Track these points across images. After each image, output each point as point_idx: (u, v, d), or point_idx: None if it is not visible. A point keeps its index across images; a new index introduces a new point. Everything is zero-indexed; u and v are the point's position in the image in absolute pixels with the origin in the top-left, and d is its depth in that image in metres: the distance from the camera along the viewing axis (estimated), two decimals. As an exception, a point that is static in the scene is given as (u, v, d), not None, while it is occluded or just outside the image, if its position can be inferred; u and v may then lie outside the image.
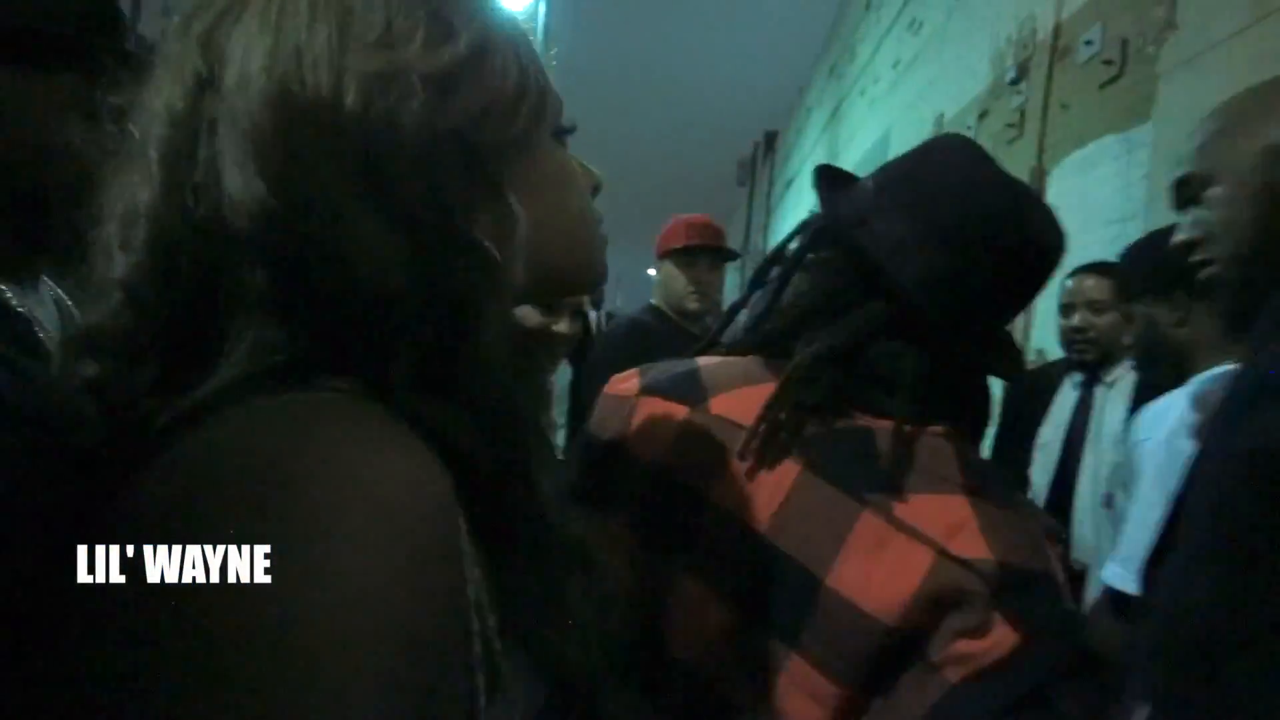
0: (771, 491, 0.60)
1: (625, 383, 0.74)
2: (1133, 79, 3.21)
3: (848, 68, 9.92)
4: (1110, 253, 3.16)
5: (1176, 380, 1.33)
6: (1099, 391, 1.84)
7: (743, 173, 24.13)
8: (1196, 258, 0.82)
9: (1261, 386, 0.60)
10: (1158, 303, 1.31)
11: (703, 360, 0.71)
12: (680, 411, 0.67)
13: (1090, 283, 1.85)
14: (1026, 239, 0.65)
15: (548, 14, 8.25)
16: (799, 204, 14.25)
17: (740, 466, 0.62)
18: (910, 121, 6.62)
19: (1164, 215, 2.85)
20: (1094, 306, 1.82)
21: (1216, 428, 0.71)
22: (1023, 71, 4.31)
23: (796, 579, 0.57)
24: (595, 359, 2.03)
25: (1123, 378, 1.80)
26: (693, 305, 2.12)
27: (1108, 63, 3.37)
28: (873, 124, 8.20)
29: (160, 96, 0.35)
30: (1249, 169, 0.76)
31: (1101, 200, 3.38)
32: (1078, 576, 1.70)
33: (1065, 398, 1.92)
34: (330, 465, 0.27)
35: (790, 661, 0.56)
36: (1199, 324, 1.26)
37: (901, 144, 6.85)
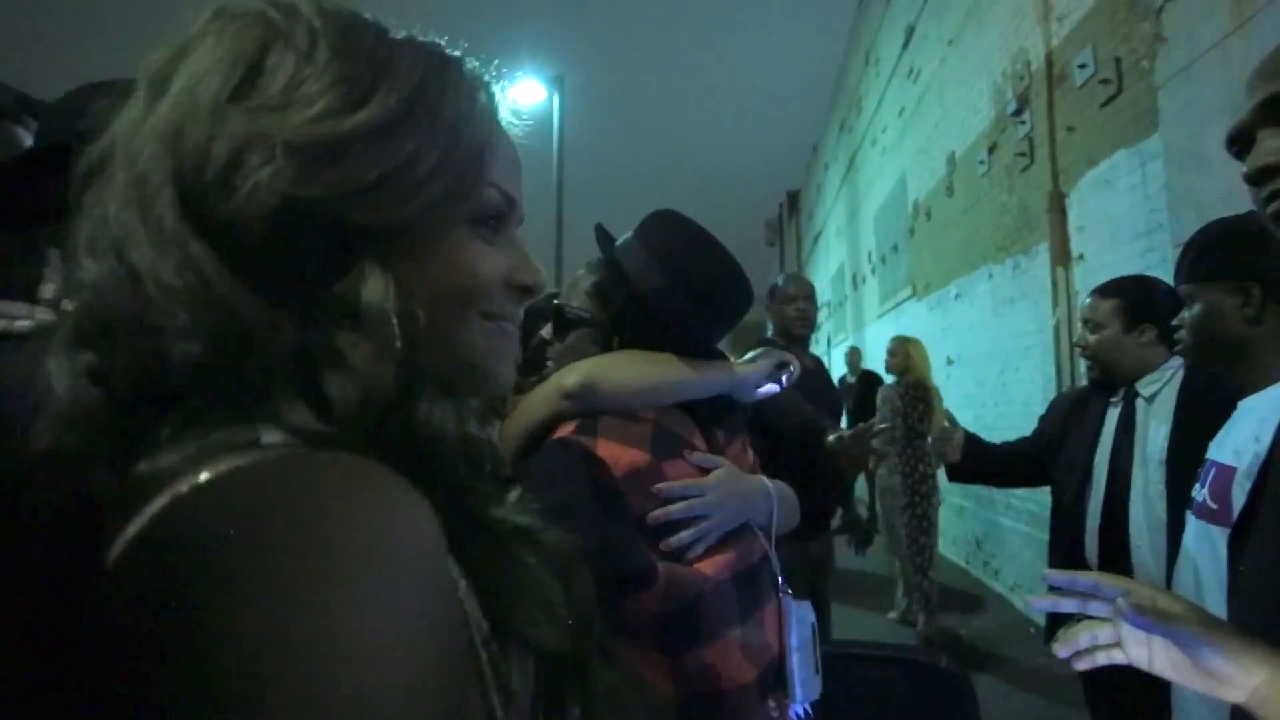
0: None
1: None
2: (1132, 94, 3.22)
3: (856, 121, 10.14)
4: (1140, 266, 3.09)
5: (1227, 383, 1.23)
6: (1140, 407, 1.74)
7: (770, 234, 24.44)
8: (1274, 185, 0.71)
9: None
10: (1228, 289, 1.17)
11: None
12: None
13: (1090, 301, 1.83)
14: (740, 293, 1.03)
15: (561, 107, 8.71)
16: (827, 257, 14.30)
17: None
18: (923, 164, 6.68)
19: (1190, 222, 2.80)
20: (1089, 324, 1.78)
21: None
22: (1023, 102, 4.35)
23: None
24: None
25: (1164, 390, 1.71)
26: None
27: (1105, 81, 3.39)
28: (888, 171, 8.29)
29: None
30: None
31: (1124, 215, 3.33)
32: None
33: (1109, 417, 1.83)
34: (339, 514, 0.28)
35: None
36: (1272, 324, 1.13)
37: (918, 186, 6.90)
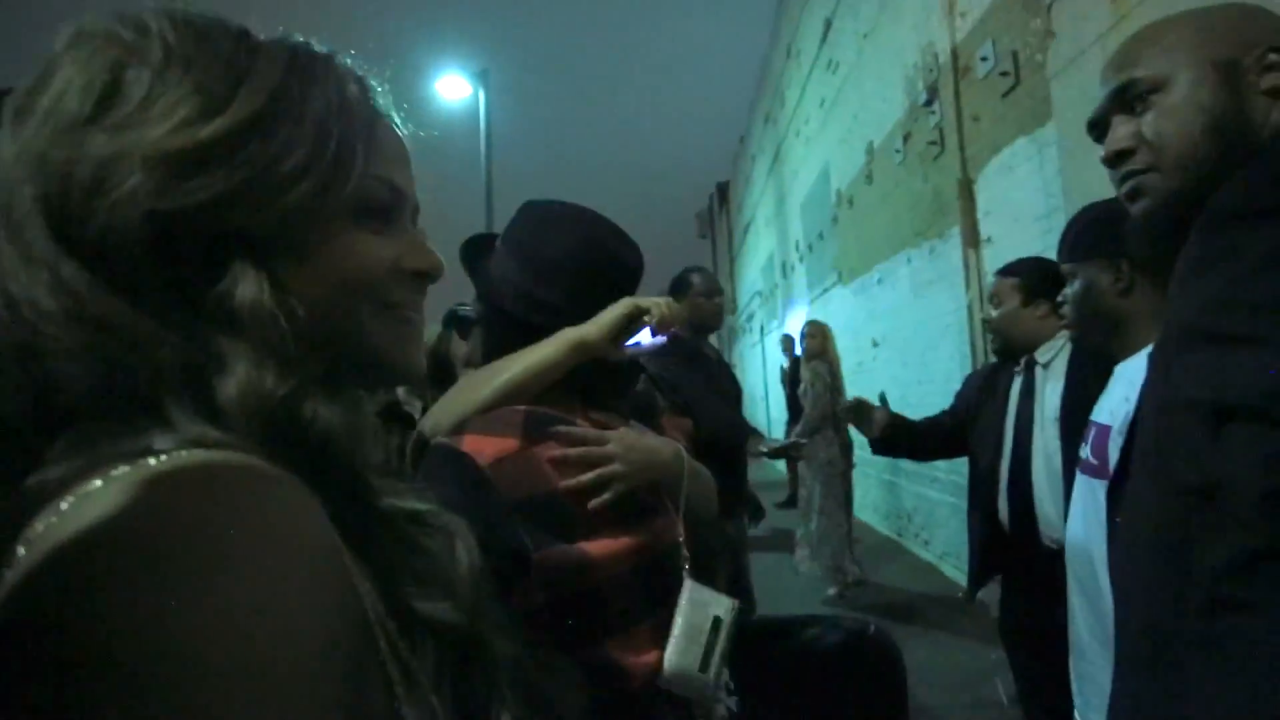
0: None
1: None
2: (1029, 85, 3.43)
3: (780, 112, 10.38)
4: (1041, 247, 3.30)
5: (1108, 350, 1.34)
6: (1038, 373, 1.91)
7: (702, 226, 24.71)
8: (1127, 167, 0.76)
9: (1188, 332, 0.63)
10: (1102, 267, 1.29)
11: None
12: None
13: (993, 280, 2.01)
14: (600, 257, 0.97)
15: (487, 102, 8.59)
16: (756, 246, 14.58)
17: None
18: (844, 153, 6.91)
19: (1081, 204, 3.02)
20: (994, 301, 1.97)
21: (1153, 372, 0.73)
22: (933, 93, 4.57)
23: None
24: None
25: (1058, 357, 1.88)
26: None
27: (1004, 74, 3.60)
28: (812, 161, 8.53)
29: None
30: (1201, 79, 0.71)
31: (1024, 199, 3.55)
32: (1054, 556, 1.68)
33: (1014, 385, 1.99)
34: (227, 515, 0.30)
35: None
36: (1141, 296, 1.25)
37: (841, 176, 7.13)
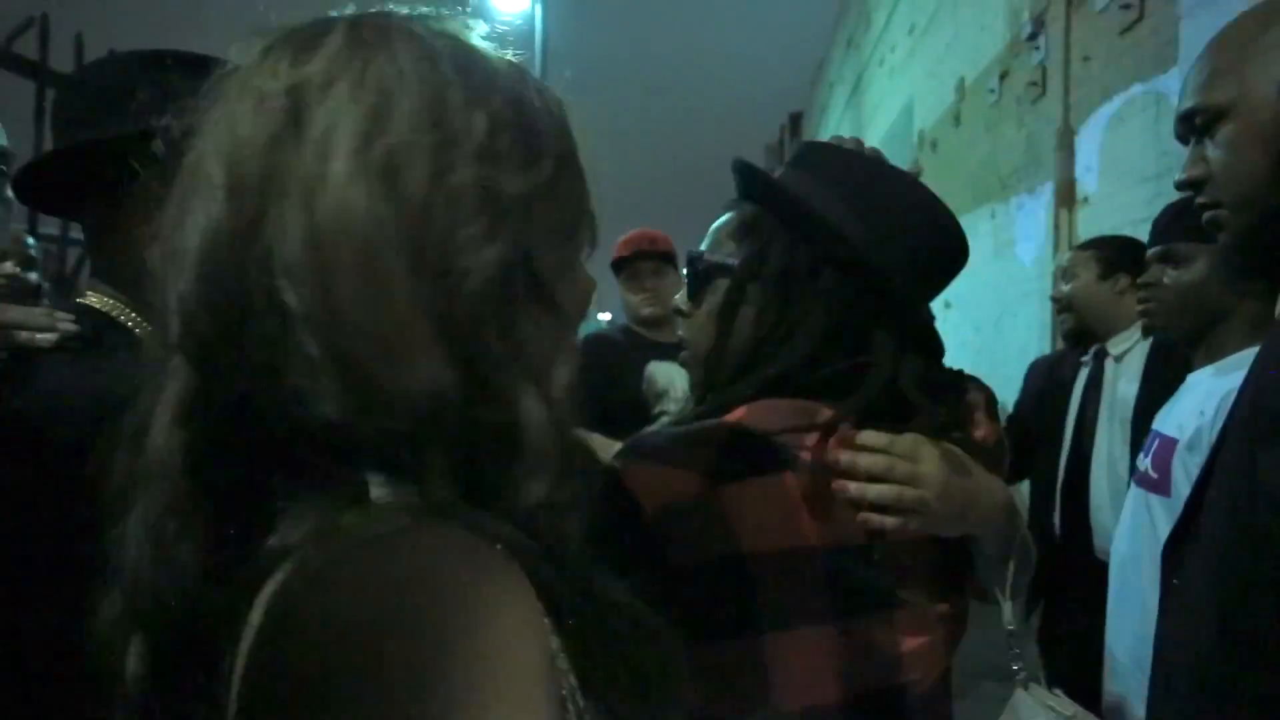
0: None
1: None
2: (1154, 22, 2.96)
3: (864, 37, 9.60)
4: (1147, 214, 2.92)
5: (1188, 351, 1.20)
6: (1108, 366, 1.68)
7: (771, 158, 23.75)
8: (1199, 199, 0.72)
9: None
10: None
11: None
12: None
13: (1070, 254, 1.81)
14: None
15: (544, 16, 8.19)
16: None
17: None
18: (931, 89, 6.34)
19: (1203, 167, 2.63)
20: (1066, 275, 1.77)
21: (1239, 410, 0.66)
22: (1040, 25, 4.05)
23: None
24: None
25: (1133, 350, 1.65)
26: (646, 311, 2.13)
27: (1125, 7, 3.12)
28: (895, 95, 7.90)
29: (232, 129, 0.35)
30: (1263, 108, 0.65)
31: (1134, 156, 3.13)
32: (1105, 569, 1.58)
33: (1080, 377, 1.80)
34: (444, 590, 0.30)
35: None
36: (1249, 301, 1.10)
37: (925, 114, 6.56)
